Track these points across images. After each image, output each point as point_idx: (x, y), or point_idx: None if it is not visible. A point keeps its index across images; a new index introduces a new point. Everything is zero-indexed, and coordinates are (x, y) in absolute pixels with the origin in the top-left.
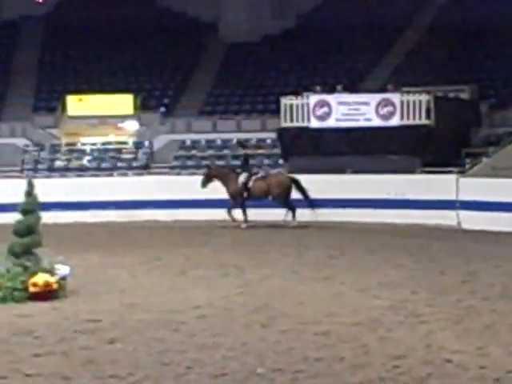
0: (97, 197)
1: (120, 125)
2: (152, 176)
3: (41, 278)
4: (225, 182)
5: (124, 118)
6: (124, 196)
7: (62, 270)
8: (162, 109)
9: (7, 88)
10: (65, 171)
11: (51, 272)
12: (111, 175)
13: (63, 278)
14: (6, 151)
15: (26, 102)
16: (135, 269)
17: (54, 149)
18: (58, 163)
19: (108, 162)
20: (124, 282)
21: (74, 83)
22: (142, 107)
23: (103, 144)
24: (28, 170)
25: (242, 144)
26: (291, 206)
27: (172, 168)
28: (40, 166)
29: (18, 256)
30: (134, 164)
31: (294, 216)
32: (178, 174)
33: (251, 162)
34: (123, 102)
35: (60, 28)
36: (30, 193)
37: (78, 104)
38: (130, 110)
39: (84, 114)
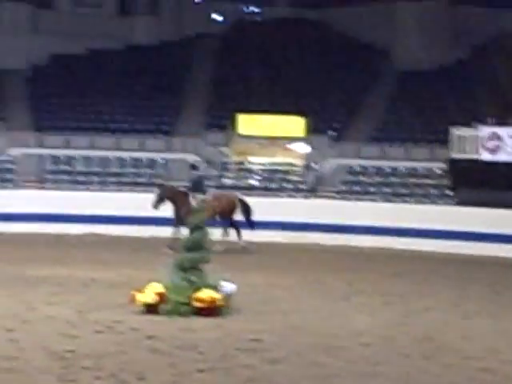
0: (263, 217)
1: (289, 146)
2: (319, 199)
3: (206, 294)
4: (176, 204)
5: (293, 139)
6: (290, 218)
7: (227, 287)
8: (332, 133)
9: (181, 104)
10: (232, 189)
11: (216, 288)
12: (278, 196)
13: (228, 295)
14: (176, 166)
15: (199, 119)
16: (298, 291)
17: (223, 166)
18: (227, 181)
19: (275, 182)
20: (286, 304)
21: (246, 102)
22: (311, 130)
23: (271, 164)
24: None
25: (194, 166)
26: (236, 225)
27: (339, 193)
28: (209, 183)
29: (185, 270)
30: (302, 186)
31: (239, 236)
32: (345, 198)
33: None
34: (293, 124)
35: (235, 47)
36: (199, 209)
37: (248, 123)
38: (300, 132)
39: (254, 134)
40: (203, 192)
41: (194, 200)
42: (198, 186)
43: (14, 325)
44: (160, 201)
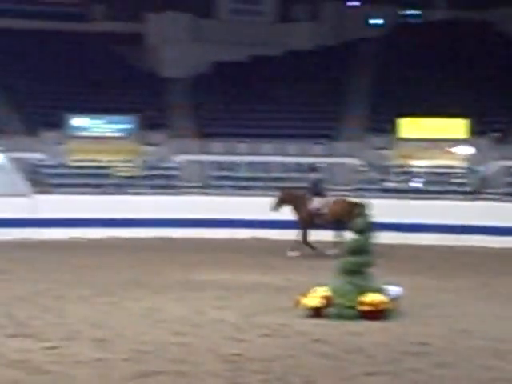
0: (426, 220)
1: (450, 149)
2: (482, 202)
3: (371, 298)
4: (296, 207)
5: (456, 142)
6: (453, 220)
7: (393, 290)
8: (495, 134)
9: (343, 108)
10: (395, 193)
11: (382, 292)
12: (441, 199)
13: (394, 299)
14: (339, 170)
15: (361, 123)
16: (463, 294)
17: (386, 170)
18: (389, 184)
19: (438, 185)
20: (453, 307)
21: (407, 105)
22: (474, 132)
23: (434, 167)
24: (360, 190)
25: (313, 169)
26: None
27: (503, 195)
28: (372, 187)
29: (349, 274)
30: (464, 189)
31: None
32: (509, 200)
33: None
34: (455, 126)
35: (395, 50)
36: (363, 213)
37: (410, 126)
38: (462, 134)
39: (416, 137)
40: (322, 195)
41: (313, 203)
42: (316, 188)
43: (183, 329)
44: (279, 204)
